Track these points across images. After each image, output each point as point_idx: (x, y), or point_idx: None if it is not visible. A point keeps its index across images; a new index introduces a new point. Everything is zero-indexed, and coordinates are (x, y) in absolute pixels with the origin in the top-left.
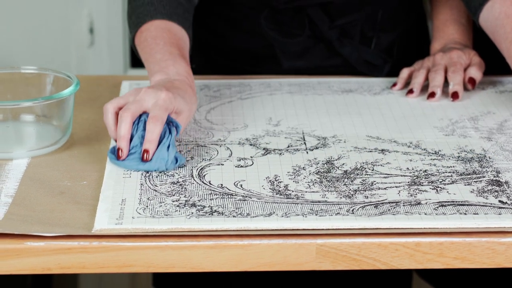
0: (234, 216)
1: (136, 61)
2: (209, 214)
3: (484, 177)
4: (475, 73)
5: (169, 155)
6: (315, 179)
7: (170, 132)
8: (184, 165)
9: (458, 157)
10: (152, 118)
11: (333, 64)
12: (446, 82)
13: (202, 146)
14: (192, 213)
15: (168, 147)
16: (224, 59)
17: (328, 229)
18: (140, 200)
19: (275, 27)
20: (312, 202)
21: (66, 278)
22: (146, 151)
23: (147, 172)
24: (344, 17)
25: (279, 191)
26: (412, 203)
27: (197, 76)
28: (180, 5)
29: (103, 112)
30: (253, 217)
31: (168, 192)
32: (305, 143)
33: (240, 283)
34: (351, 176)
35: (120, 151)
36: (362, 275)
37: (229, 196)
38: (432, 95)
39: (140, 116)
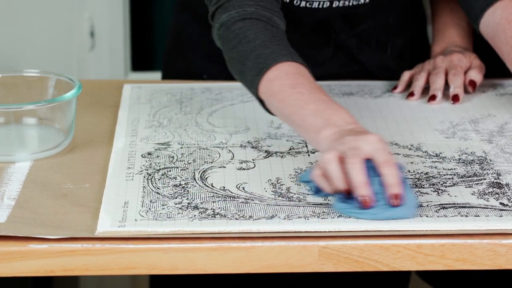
0: (236, 219)
1: (137, 65)
2: (212, 217)
3: (485, 179)
4: (476, 76)
5: (415, 200)
6: None
7: (405, 178)
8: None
9: (459, 159)
10: (386, 163)
11: (351, 71)
12: (446, 85)
13: (204, 148)
14: (195, 215)
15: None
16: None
17: (330, 231)
18: (143, 203)
19: (301, 38)
20: (314, 204)
21: (67, 280)
22: (396, 196)
23: (150, 175)
24: (360, 25)
25: (281, 193)
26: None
27: (197, 81)
28: (286, 40)
29: (326, 163)
30: (256, 219)
31: (171, 194)
32: (306, 146)
33: (240, 285)
34: None
35: (366, 199)
36: (360, 274)
37: (232, 198)
38: (433, 98)
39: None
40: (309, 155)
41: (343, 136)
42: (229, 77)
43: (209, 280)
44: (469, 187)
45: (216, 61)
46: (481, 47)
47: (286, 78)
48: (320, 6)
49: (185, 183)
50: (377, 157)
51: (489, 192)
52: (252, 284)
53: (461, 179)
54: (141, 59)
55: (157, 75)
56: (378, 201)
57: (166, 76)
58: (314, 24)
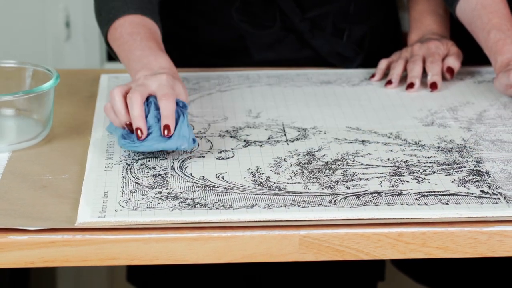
0: (216, 208)
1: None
2: (192, 206)
3: (464, 167)
4: (453, 62)
5: (190, 133)
6: (296, 171)
7: (182, 112)
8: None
9: (438, 147)
10: (164, 96)
11: (304, 56)
12: (424, 73)
13: None
14: (175, 205)
15: (187, 125)
16: (195, 53)
17: (311, 220)
18: (123, 193)
19: (247, 19)
20: (294, 193)
21: (44, 271)
22: (166, 126)
23: (129, 165)
24: (315, 9)
25: (261, 182)
26: (394, 193)
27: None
28: None
29: (110, 97)
30: (236, 208)
31: (150, 184)
32: (285, 135)
33: (216, 275)
34: (332, 167)
35: (138, 131)
36: (336, 264)
37: (211, 188)
38: (410, 85)
39: (147, 98)
40: (288, 144)
41: (147, 77)
42: (184, 63)
43: (189, 269)
44: (449, 175)
45: (168, 43)
46: (458, 34)
47: (127, 27)
48: None
49: (164, 173)
50: (158, 92)
51: (469, 180)
52: (226, 274)
53: (441, 167)
54: None
55: None
56: (153, 133)
57: None
58: (261, 5)
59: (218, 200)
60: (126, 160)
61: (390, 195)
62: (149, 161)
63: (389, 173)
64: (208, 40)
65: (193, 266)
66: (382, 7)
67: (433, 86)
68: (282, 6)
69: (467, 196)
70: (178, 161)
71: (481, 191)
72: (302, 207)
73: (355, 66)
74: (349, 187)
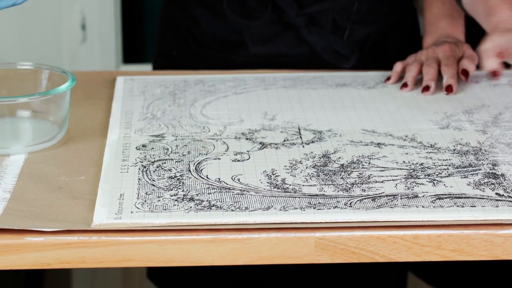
0: (232, 210)
1: (128, 57)
2: (208, 208)
3: (480, 170)
4: (468, 65)
5: None
6: (312, 173)
7: None
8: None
9: (454, 150)
10: None
11: (301, 52)
12: (439, 76)
13: (198, 140)
14: (191, 207)
15: None
16: (197, 46)
17: (327, 222)
18: (139, 195)
19: (239, 11)
20: (310, 195)
21: (59, 272)
22: None
23: (145, 167)
24: (314, 5)
25: (277, 185)
26: (409, 196)
27: (191, 71)
28: None
29: None
30: (252, 211)
31: (166, 186)
32: (301, 137)
33: (236, 276)
34: (347, 169)
35: None
36: (358, 268)
37: (227, 190)
38: (426, 88)
39: None
40: (303, 146)
41: None
42: (194, 57)
43: (205, 270)
44: (464, 177)
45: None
46: (474, 37)
47: None
48: None
49: (180, 175)
50: None
51: (484, 183)
52: (247, 275)
53: (457, 170)
54: (132, 51)
55: (148, 67)
56: None
57: (153, 60)
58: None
59: (234, 202)
60: (142, 162)
61: (406, 198)
62: (165, 163)
63: (405, 175)
64: (208, 32)
65: (213, 266)
66: (390, 11)
67: (449, 89)
68: (277, 0)
69: (483, 198)
70: (194, 163)
71: (496, 193)
72: (318, 209)
73: (349, 65)
74: (364, 190)
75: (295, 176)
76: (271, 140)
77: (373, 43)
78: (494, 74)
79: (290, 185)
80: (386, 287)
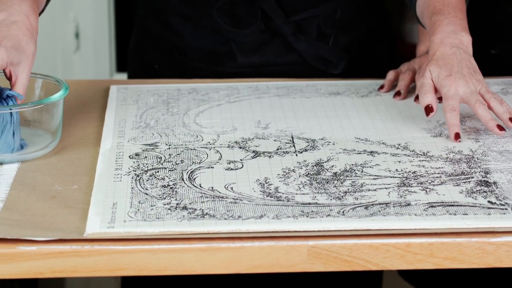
0: (225, 219)
1: (122, 65)
2: (201, 217)
3: (472, 177)
4: None
5: (15, 142)
6: (305, 181)
7: (11, 115)
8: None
9: (446, 158)
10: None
11: (289, 61)
12: None
13: (191, 149)
14: (184, 216)
15: (13, 133)
16: (183, 58)
17: (319, 231)
18: (131, 204)
19: (228, 20)
20: (303, 204)
21: (53, 281)
22: None
23: (138, 176)
24: (300, 13)
25: (270, 193)
26: (402, 204)
27: (185, 80)
28: None
29: None
30: (245, 219)
31: (159, 195)
32: (294, 146)
33: (228, 284)
34: (340, 178)
35: None
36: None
37: (220, 199)
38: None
39: None
40: (296, 155)
41: None
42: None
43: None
44: (457, 185)
45: (160, 49)
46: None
47: None
48: None
49: (173, 184)
50: None
51: (477, 191)
52: (241, 282)
53: (449, 178)
54: (126, 60)
55: None
56: None
57: (129, 72)
58: (244, 6)
59: (227, 211)
60: (135, 171)
61: (398, 206)
62: (158, 172)
63: (397, 183)
64: (195, 45)
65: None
66: (371, 18)
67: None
68: (265, 8)
69: (475, 206)
70: (187, 172)
71: (488, 201)
72: (311, 217)
73: (338, 70)
74: (357, 198)
75: (288, 185)
76: (264, 149)
77: (357, 49)
78: (428, 110)
79: (283, 193)
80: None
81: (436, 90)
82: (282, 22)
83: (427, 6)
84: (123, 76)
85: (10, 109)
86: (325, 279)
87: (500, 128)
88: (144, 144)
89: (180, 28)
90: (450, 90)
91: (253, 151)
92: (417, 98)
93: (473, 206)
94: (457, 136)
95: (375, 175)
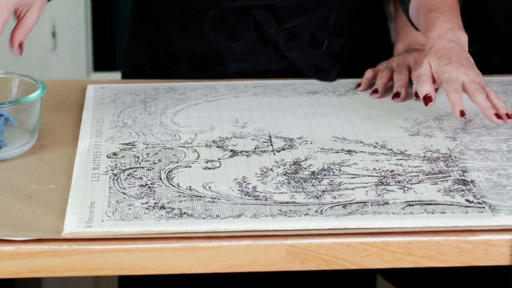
0: (203, 218)
1: (99, 65)
2: (179, 216)
3: (450, 176)
4: None
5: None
6: (283, 180)
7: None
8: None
9: (424, 157)
10: None
11: (281, 68)
12: (410, 83)
13: (169, 148)
14: (162, 215)
15: None
16: (172, 62)
17: (297, 230)
18: (109, 203)
19: (220, 29)
20: (281, 203)
21: (30, 281)
22: None
23: (116, 175)
24: (292, 21)
25: (248, 192)
26: (379, 203)
27: (161, 80)
28: None
29: None
30: (223, 218)
31: (137, 195)
32: (272, 145)
33: (211, 283)
34: (318, 177)
35: None
36: (329, 274)
37: (198, 198)
38: (397, 95)
39: None
40: (274, 154)
41: None
42: (163, 72)
43: (178, 279)
44: (434, 184)
45: (150, 51)
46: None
47: None
48: None
49: (151, 183)
50: None
51: (454, 189)
52: (220, 284)
53: (427, 176)
54: (103, 59)
55: (119, 75)
56: None
57: (123, 73)
58: (236, 15)
59: (205, 210)
60: (112, 170)
61: (376, 205)
62: (135, 171)
63: (375, 182)
64: (185, 49)
65: (185, 274)
66: (364, 19)
67: (419, 96)
68: (258, 17)
69: (453, 205)
70: (165, 171)
71: (466, 200)
72: (289, 216)
73: (331, 78)
74: (335, 197)
75: (266, 184)
76: (242, 148)
77: (350, 52)
78: (427, 100)
79: (261, 192)
80: None
81: (434, 81)
82: (274, 31)
83: (422, 5)
84: (100, 75)
85: None
86: (319, 281)
87: (498, 116)
88: (121, 144)
89: (172, 32)
90: (452, 75)
91: (231, 150)
92: (394, 96)
93: (450, 204)
94: (462, 113)
95: (353, 174)
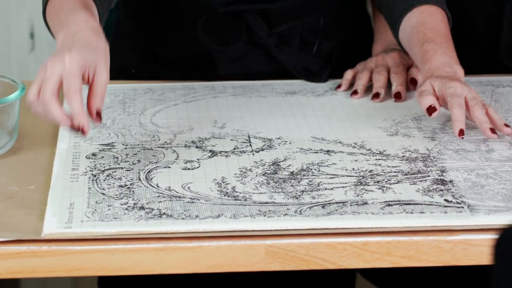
0: (183, 219)
1: None
2: (158, 217)
3: (429, 176)
4: (417, 73)
5: None
6: (262, 181)
7: None
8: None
9: (403, 157)
10: (67, 93)
11: (271, 71)
12: (389, 83)
13: (148, 149)
14: (141, 216)
15: None
16: (160, 65)
17: (277, 230)
18: (89, 204)
19: (213, 33)
20: (260, 203)
21: (8, 282)
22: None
23: (95, 176)
24: (283, 25)
25: (227, 193)
26: (359, 203)
27: (140, 81)
28: None
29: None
30: (202, 219)
31: (116, 195)
32: (250, 145)
33: (192, 283)
34: (297, 177)
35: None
36: (307, 274)
37: (177, 198)
38: (376, 95)
39: None
40: (253, 154)
41: (62, 46)
42: (156, 75)
43: (159, 280)
44: (413, 184)
45: (138, 54)
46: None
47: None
48: None
49: (130, 184)
50: (64, 86)
51: (433, 189)
52: (199, 284)
53: (405, 176)
54: None
55: None
56: None
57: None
58: (228, 19)
59: (184, 211)
60: (92, 171)
61: (355, 205)
62: (115, 172)
63: (354, 182)
64: (175, 52)
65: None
66: (353, 22)
67: (398, 96)
68: (249, 21)
69: (432, 205)
70: (144, 172)
71: (445, 200)
72: (268, 217)
73: (322, 81)
74: (314, 197)
75: (245, 184)
76: (221, 148)
77: (339, 54)
78: (431, 110)
79: (240, 193)
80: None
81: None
82: (265, 34)
83: (416, 33)
84: None
85: None
86: (300, 280)
87: (493, 131)
88: (100, 144)
89: (162, 35)
90: (457, 90)
91: (210, 151)
92: (374, 96)
93: (429, 204)
94: (461, 132)
95: (332, 174)
